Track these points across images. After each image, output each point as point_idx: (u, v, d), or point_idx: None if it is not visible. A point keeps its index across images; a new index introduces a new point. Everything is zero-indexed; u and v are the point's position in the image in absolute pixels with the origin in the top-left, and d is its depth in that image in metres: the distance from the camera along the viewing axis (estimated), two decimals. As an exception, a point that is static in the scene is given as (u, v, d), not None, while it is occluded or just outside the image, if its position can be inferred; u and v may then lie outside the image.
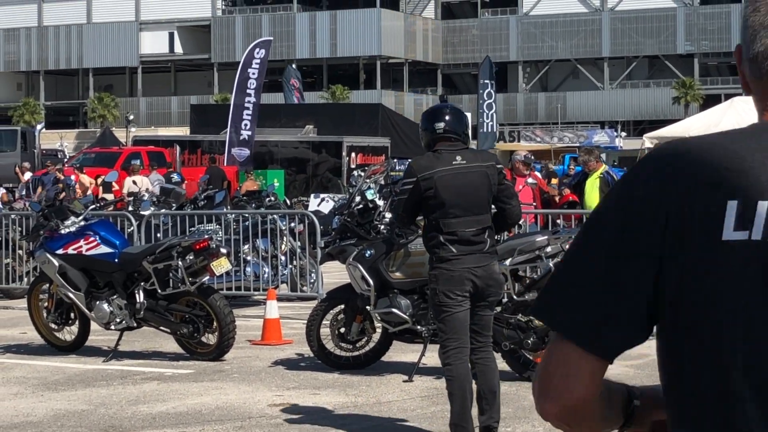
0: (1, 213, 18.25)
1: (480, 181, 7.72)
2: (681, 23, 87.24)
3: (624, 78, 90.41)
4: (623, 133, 79.73)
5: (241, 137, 36.03)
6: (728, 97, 39.62)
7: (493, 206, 7.85)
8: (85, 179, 31.61)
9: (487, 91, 49.10)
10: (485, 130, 49.31)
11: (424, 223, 7.84)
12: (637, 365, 10.93)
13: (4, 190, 29.34)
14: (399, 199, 7.84)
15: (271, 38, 45.99)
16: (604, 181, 15.68)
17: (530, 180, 18.06)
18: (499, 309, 10.15)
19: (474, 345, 7.83)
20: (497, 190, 7.79)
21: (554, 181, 24.99)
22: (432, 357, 10.77)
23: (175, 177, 27.08)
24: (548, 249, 10.14)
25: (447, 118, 7.89)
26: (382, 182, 11.87)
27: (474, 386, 7.75)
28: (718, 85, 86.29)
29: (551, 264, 10.03)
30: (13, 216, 17.09)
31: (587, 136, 72.57)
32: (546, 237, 10.30)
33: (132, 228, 15.58)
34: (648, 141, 31.00)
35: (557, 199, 18.38)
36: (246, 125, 36.06)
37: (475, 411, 7.73)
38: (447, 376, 7.69)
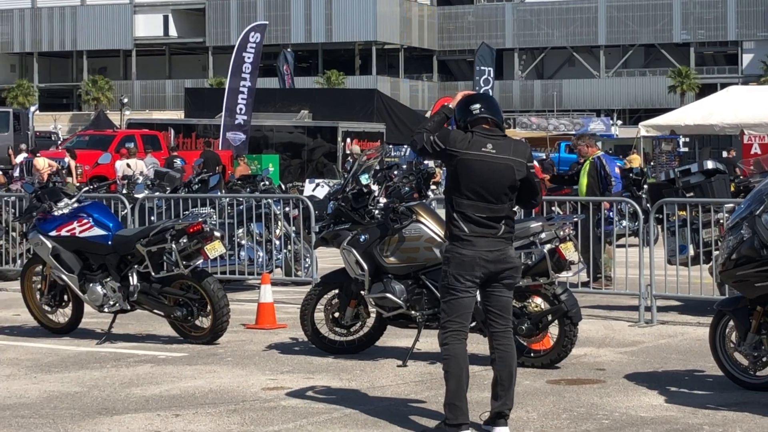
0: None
1: (502, 174, 7.72)
2: (677, 12, 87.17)
3: (620, 66, 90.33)
4: (619, 122, 79.76)
5: (236, 121, 35.98)
6: (724, 86, 39.67)
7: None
8: (40, 162, 31.32)
9: (484, 77, 48.95)
10: (480, 116, 49.20)
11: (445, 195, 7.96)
12: (631, 352, 10.96)
13: (0, 173, 29.30)
14: (438, 135, 7.76)
15: (267, 22, 45.91)
16: (592, 165, 15.81)
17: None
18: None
19: (495, 329, 7.88)
20: (523, 186, 7.82)
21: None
22: (426, 342, 10.80)
23: (178, 162, 27.01)
24: (542, 235, 10.14)
25: (482, 101, 7.97)
26: (377, 167, 11.86)
27: (467, 371, 7.77)
28: (714, 74, 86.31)
29: (545, 250, 10.04)
30: (6, 198, 17.03)
31: (583, 124, 72.59)
32: (540, 223, 10.30)
33: (126, 211, 15.56)
34: (644, 129, 31.05)
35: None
36: (241, 109, 36.01)
37: (484, 395, 7.75)
38: (444, 355, 7.72)
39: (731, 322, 9.26)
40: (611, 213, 14.39)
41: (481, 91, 48.79)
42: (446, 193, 7.86)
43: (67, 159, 32.75)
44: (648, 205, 15.92)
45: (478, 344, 10.81)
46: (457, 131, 7.86)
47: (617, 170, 16.30)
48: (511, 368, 7.87)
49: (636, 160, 36.83)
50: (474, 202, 7.68)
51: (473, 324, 10.15)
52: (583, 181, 15.86)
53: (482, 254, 7.65)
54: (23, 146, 36.08)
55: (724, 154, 39.53)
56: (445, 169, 7.63)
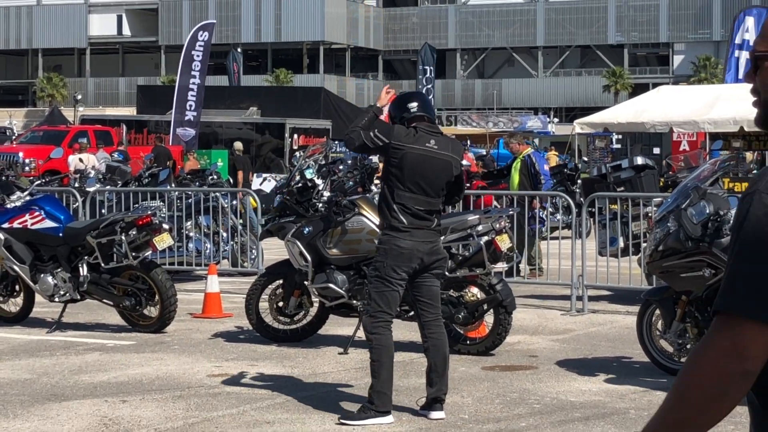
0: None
1: (443, 169, 7.84)
2: (612, 15, 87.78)
3: (557, 66, 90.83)
4: (555, 119, 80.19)
5: (186, 118, 35.76)
6: (656, 85, 39.98)
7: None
8: None
9: (426, 76, 49.05)
10: (423, 114, 49.27)
11: (381, 187, 7.89)
12: (563, 339, 11.03)
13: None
14: (378, 130, 7.72)
15: (215, 21, 45.60)
16: (523, 163, 16.01)
17: (464, 162, 18.13)
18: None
19: (426, 318, 7.93)
20: (454, 183, 7.94)
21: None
22: (367, 331, 10.80)
23: (115, 155, 26.66)
24: (479, 228, 10.18)
25: (419, 99, 8.06)
26: (322, 162, 11.83)
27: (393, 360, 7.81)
28: (647, 74, 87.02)
29: (482, 242, 10.07)
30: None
31: (521, 122, 72.87)
32: (477, 216, 10.34)
33: (77, 204, 15.43)
34: (578, 127, 31.16)
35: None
36: (191, 106, 35.78)
37: (421, 381, 7.77)
38: (375, 345, 7.70)
39: (657, 311, 9.35)
40: (541, 212, 14.48)
41: (424, 90, 48.91)
42: (386, 186, 7.83)
43: None
44: (581, 198, 16.03)
45: (416, 332, 10.85)
46: (400, 126, 7.87)
47: (546, 168, 16.48)
48: (444, 354, 7.91)
49: (553, 159, 36.99)
50: (415, 195, 7.72)
51: (411, 313, 10.19)
52: (515, 177, 16.03)
53: (419, 246, 7.69)
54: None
55: (656, 150, 39.81)
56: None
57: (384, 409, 7.64)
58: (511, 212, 11.84)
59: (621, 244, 13.21)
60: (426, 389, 7.89)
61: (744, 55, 29.74)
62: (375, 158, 36.19)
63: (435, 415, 7.78)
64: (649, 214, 12.86)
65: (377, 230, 10.30)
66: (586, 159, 37.05)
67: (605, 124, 31.07)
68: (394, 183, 7.74)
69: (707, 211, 8.74)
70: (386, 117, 8.24)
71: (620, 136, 34.47)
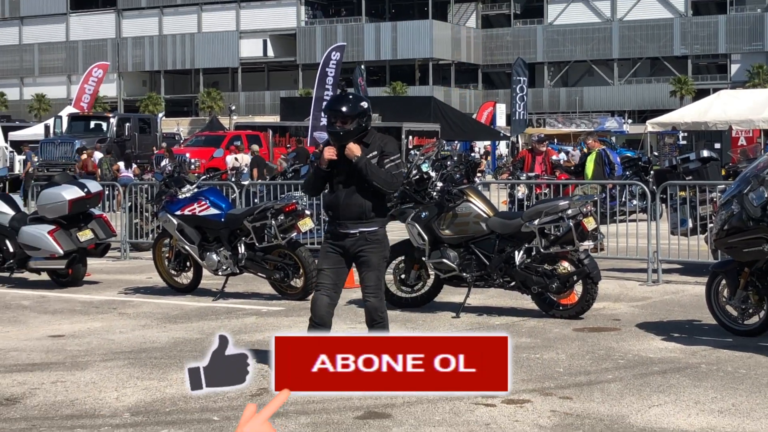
0: (131, 183, 18.43)
1: None
2: (677, 31, 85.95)
3: (630, 75, 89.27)
4: (629, 120, 78.85)
5: (321, 123, 36.01)
6: (716, 90, 39.02)
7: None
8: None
9: (519, 85, 48.60)
10: (517, 117, 48.93)
11: (405, 191, 7.53)
12: (642, 305, 10.85)
13: (135, 165, 29.57)
14: (400, 171, 7.32)
15: (345, 43, 45.87)
16: (599, 155, 15.96)
17: (554, 157, 17.99)
18: (529, 260, 10.11)
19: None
20: None
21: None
22: (475, 298, 10.77)
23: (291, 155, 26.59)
24: (569, 211, 10.06)
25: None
26: (434, 158, 11.80)
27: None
28: (708, 81, 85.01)
29: (571, 223, 9.95)
30: (141, 185, 17.23)
31: (600, 123, 71.81)
32: (567, 202, 10.22)
33: (235, 195, 15.65)
34: (650, 126, 30.59)
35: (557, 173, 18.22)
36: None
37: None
38: (387, 323, 7.37)
39: (723, 281, 9.14)
40: (615, 191, 14.40)
41: (517, 97, 48.51)
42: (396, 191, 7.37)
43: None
44: (654, 187, 15.75)
45: (516, 299, 10.78)
46: (385, 137, 7.48)
47: (618, 159, 16.56)
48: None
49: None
50: None
51: (513, 283, 10.13)
52: (590, 167, 16.05)
53: None
54: (164, 144, 36.37)
55: (717, 145, 38.86)
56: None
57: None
58: (596, 198, 11.68)
59: (690, 224, 12.93)
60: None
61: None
62: (477, 154, 35.48)
63: None
64: (714, 199, 12.57)
65: (482, 214, 10.27)
66: (656, 153, 36.37)
67: (673, 123, 30.50)
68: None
69: (766, 195, 8.52)
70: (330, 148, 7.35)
71: (686, 134, 33.74)
